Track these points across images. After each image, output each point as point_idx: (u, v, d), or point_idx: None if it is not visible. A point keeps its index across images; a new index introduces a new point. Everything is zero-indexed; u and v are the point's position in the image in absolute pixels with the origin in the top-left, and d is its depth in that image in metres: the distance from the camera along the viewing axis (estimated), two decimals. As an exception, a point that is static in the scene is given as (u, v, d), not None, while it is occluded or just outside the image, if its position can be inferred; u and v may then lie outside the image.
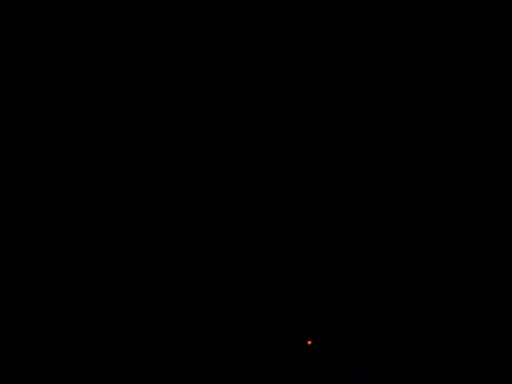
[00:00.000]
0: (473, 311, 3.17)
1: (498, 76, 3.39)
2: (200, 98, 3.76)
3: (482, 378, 3.06)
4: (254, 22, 3.61)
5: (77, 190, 3.49)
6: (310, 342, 3.21)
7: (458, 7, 3.39)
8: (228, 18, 3.64)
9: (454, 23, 3.46)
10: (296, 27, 3.61)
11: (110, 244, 3.45)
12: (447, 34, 3.50)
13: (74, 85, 3.65)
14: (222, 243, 3.45)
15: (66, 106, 3.60)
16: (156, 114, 3.68)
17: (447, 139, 3.48)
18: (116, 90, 3.65)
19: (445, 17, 3.44)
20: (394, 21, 3.49)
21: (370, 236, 3.42)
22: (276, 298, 3.34)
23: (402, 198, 3.47)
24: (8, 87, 3.61)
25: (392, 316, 3.27)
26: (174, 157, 3.58)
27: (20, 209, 3.46)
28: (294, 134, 3.60)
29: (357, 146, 3.55)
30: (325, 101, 3.63)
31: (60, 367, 3.08)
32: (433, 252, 3.33)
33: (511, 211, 3.32)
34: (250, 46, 3.70)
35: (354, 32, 3.58)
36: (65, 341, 3.14)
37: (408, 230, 3.41)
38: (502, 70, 3.39)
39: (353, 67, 3.64)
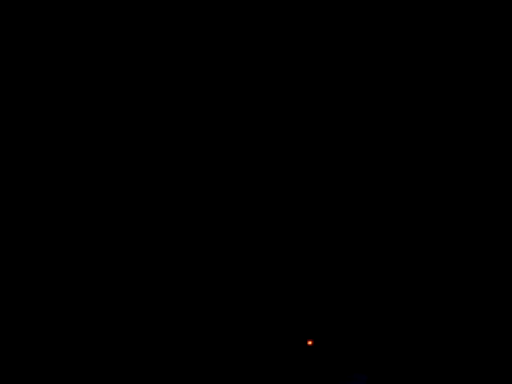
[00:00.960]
0: (473, 311, 3.16)
1: (497, 76, 3.38)
2: (200, 98, 3.76)
3: (484, 377, 3.05)
4: (254, 22, 3.60)
5: (77, 191, 3.49)
6: (310, 343, 3.20)
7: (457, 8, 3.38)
8: (228, 18, 3.63)
9: (453, 23, 3.45)
10: (296, 28, 3.60)
11: (110, 244, 3.45)
12: (446, 34, 3.49)
13: (73, 85, 3.64)
14: (221, 243, 3.45)
15: (66, 107, 3.60)
16: (156, 114, 3.68)
17: (446, 139, 3.48)
18: (116, 90, 3.65)
19: (444, 17, 3.43)
20: (393, 21, 3.48)
21: (370, 236, 3.41)
22: (276, 298, 3.33)
23: (401, 198, 3.46)
24: (8, 87, 3.61)
25: (392, 316, 3.27)
26: (174, 157, 3.57)
27: (20, 209, 3.46)
28: (294, 134, 3.59)
29: (356, 146, 3.54)
30: (324, 101, 3.63)
31: (60, 367, 3.08)
32: (433, 252, 3.33)
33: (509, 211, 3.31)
34: (250, 46, 3.70)
35: (354, 33, 3.57)
36: (65, 341, 3.13)
37: (408, 229, 3.40)
38: (502, 71, 3.38)
39: (352, 67, 3.63)
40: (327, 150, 3.59)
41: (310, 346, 3.20)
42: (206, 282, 3.37)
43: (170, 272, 3.40)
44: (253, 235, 3.46)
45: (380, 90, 3.59)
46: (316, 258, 3.37)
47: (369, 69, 3.60)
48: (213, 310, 3.30)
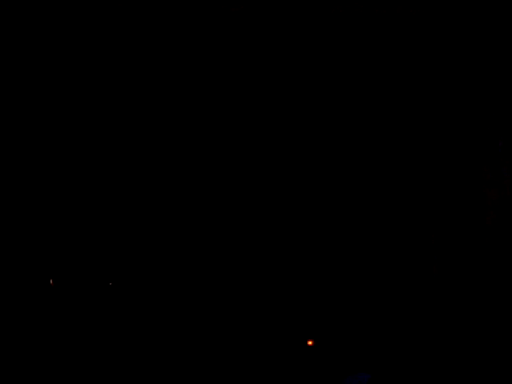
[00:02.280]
0: (474, 310, 3.17)
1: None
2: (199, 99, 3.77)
3: (486, 377, 3.05)
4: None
5: (77, 190, 3.49)
6: (310, 343, 3.19)
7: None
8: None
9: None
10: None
11: (110, 244, 3.44)
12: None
13: (73, 85, 3.65)
14: (221, 243, 3.45)
15: (66, 107, 3.61)
16: (156, 114, 3.69)
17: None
18: (116, 91, 3.66)
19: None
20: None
21: (370, 235, 3.41)
22: (276, 298, 3.33)
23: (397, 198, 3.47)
24: (8, 88, 3.61)
25: (393, 316, 3.26)
26: (174, 157, 3.58)
27: (20, 209, 3.45)
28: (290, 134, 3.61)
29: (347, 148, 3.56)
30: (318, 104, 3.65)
31: (59, 368, 3.07)
32: (432, 252, 3.33)
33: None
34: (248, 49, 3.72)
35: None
36: (64, 341, 3.12)
37: (407, 229, 3.41)
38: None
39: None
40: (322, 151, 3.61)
41: (310, 346, 3.20)
42: (205, 282, 3.37)
43: (170, 272, 3.39)
44: (252, 235, 3.46)
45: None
46: (315, 258, 3.38)
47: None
48: (213, 309, 3.30)
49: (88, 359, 3.09)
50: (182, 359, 3.15)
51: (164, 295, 3.32)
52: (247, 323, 3.24)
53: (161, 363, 3.15)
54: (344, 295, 3.25)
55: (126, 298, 3.29)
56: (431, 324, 3.18)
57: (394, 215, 3.39)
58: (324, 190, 3.56)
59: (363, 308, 3.25)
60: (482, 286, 3.21)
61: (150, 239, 3.46)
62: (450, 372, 3.04)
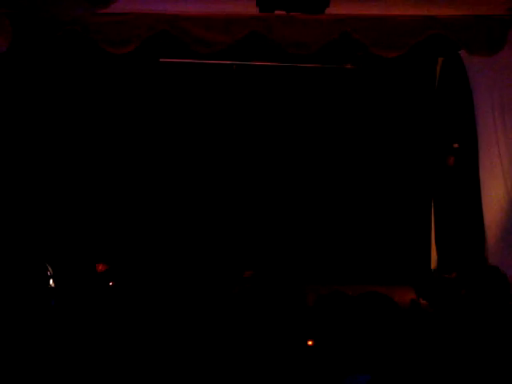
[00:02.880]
0: (475, 308, 3.13)
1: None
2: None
3: (490, 376, 2.99)
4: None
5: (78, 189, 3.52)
6: (310, 343, 3.19)
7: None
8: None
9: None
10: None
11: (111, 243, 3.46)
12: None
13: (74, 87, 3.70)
14: (222, 242, 3.46)
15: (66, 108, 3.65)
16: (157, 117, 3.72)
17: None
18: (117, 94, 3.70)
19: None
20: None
21: (367, 234, 3.41)
22: (276, 298, 3.33)
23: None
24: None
25: (395, 316, 3.24)
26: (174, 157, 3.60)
27: (22, 209, 3.50)
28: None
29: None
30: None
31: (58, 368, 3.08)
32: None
33: None
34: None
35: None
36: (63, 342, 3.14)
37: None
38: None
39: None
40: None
41: (310, 346, 3.19)
42: (206, 281, 3.38)
43: (169, 271, 3.40)
44: (251, 234, 3.47)
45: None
46: (314, 257, 3.37)
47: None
48: (213, 310, 3.30)
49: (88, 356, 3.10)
50: (182, 359, 3.15)
51: (163, 294, 3.32)
52: (247, 323, 3.24)
53: (160, 363, 3.14)
54: (343, 293, 3.24)
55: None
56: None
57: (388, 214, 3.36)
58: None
59: (362, 306, 3.23)
60: None
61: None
62: (450, 372, 3.00)
